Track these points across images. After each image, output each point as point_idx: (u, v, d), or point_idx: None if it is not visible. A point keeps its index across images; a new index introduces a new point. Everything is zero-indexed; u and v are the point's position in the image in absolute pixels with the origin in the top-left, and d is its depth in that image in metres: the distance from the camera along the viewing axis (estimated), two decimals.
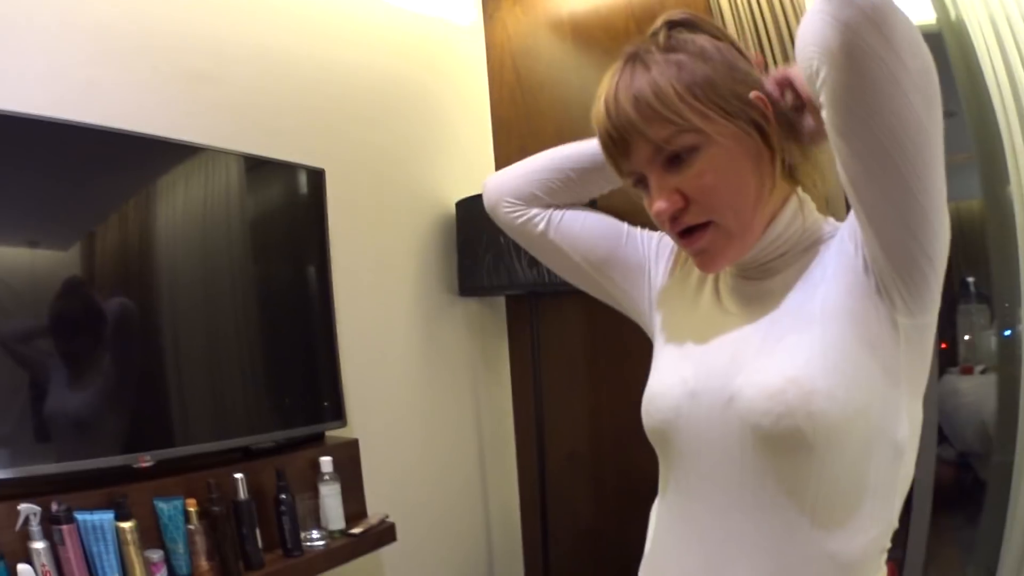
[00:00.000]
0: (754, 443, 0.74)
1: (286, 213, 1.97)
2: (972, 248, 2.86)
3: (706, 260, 0.81)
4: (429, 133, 2.63)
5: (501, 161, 2.93)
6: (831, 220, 0.86)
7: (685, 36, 0.81)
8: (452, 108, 2.78)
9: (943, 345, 2.96)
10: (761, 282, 0.85)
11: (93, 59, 1.63)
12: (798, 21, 2.42)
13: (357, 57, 2.35)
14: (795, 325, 0.77)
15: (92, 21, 1.64)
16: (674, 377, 0.86)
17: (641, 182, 0.82)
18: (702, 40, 0.80)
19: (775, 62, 2.54)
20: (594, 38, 2.77)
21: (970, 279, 2.97)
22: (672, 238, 0.83)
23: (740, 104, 0.77)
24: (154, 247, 1.59)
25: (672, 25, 0.83)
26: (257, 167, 1.86)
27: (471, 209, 2.50)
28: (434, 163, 2.63)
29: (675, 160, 0.77)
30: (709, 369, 0.82)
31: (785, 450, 0.73)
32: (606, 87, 0.81)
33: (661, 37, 0.81)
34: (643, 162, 0.79)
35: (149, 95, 1.73)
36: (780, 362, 0.74)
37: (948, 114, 2.43)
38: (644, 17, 2.67)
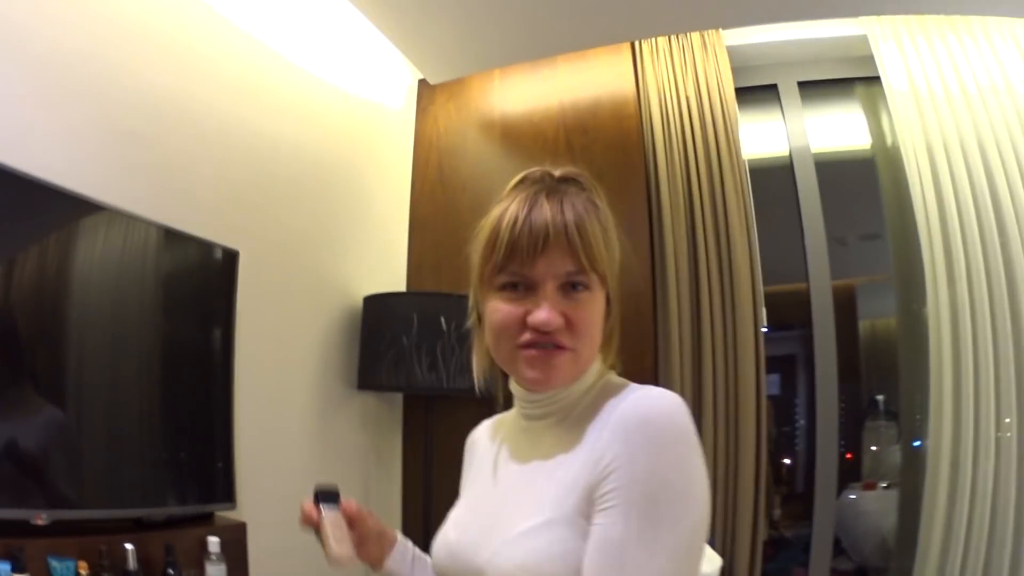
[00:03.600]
0: None
1: (197, 289, 1.99)
2: (884, 365, 3.07)
3: (544, 376, 0.87)
4: (347, 222, 2.66)
5: (414, 259, 2.99)
6: (610, 377, 0.93)
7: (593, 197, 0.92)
8: (373, 199, 2.81)
9: (848, 456, 3.11)
10: (542, 430, 0.92)
11: (29, 101, 1.61)
12: (731, 159, 2.65)
13: (286, 134, 2.37)
14: (534, 510, 0.83)
15: (31, 61, 1.62)
16: (444, 537, 0.97)
17: (512, 287, 0.87)
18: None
19: (701, 197, 2.72)
20: (522, 144, 2.89)
21: (879, 397, 3.12)
22: (513, 350, 0.87)
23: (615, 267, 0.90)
24: (64, 302, 1.58)
25: (576, 180, 0.93)
26: (174, 239, 1.88)
27: (378, 305, 2.54)
28: (348, 254, 2.65)
29: (570, 290, 0.85)
30: (466, 539, 0.92)
31: None
32: (540, 199, 0.87)
33: (584, 195, 0.90)
34: (547, 274, 0.85)
35: (81, 147, 1.73)
36: (513, 549, 0.82)
37: (871, 236, 2.63)
38: (575, 128, 2.83)
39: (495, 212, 0.90)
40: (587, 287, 0.86)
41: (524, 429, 0.96)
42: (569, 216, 0.85)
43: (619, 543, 0.75)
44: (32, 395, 1.53)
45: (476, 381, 1.00)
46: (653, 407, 0.80)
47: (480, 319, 0.95)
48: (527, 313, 0.85)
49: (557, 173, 0.93)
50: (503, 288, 0.87)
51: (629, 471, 0.77)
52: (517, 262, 0.85)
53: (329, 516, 0.96)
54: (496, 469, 0.99)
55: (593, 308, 0.87)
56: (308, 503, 0.96)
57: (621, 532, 0.75)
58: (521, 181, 0.93)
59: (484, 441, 1.08)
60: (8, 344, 1.49)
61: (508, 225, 0.86)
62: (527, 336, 0.86)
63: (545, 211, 0.85)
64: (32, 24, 1.61)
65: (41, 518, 1.50)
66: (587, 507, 0.79)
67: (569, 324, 0.85)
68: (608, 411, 0.83)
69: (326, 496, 0.98)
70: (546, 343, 0.85)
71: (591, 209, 0.87)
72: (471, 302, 0.98)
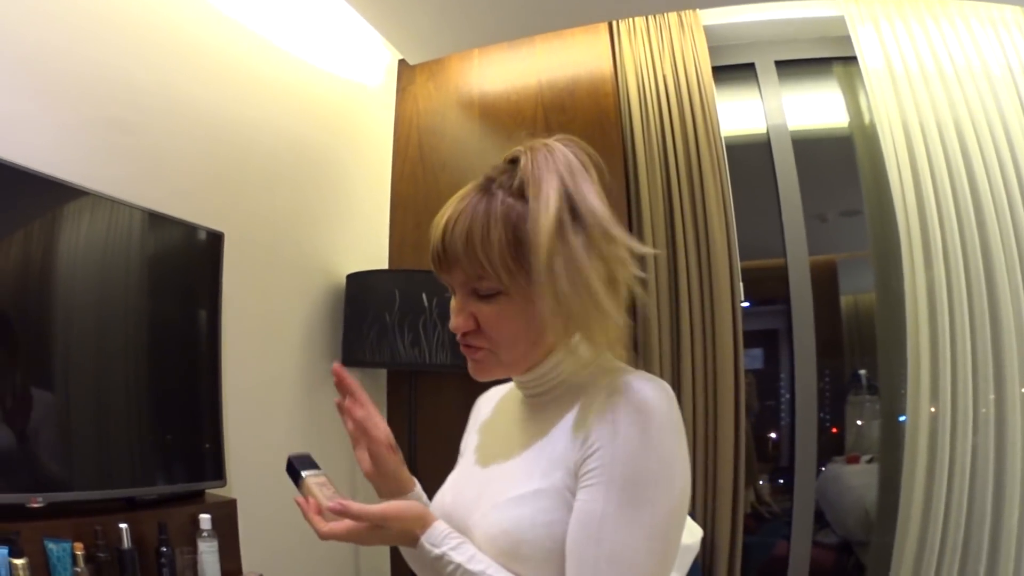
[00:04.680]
0: None
1: (183, 271, 2.02)
2: (867, 340, 3.12)
3: (476, 370, 0.94)
4: (330, 202, 2.71)
5: (396, 238, 3.01)
6: (605, 359, 0.91)
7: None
8: (354, 179, 2.85)
9: (833, 430, 3.17)
10: (541, 405, 0.96)
11: (10, 91, 1.64)
12: (708, 137, 2.70)
13: (267, 116, 2.40)
14: (523, 480, 0.88)
15: (19, 52, 1.65)
16: (440, 498, 1.02)
17: (450, 292, 0.94)
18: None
19: (678, 175, 2.77)
20: (501, 122, 2.94)
21: (862, 371, 3.19)
22: (460, 345, 0.95)
23: (538, 268, 0.84)
24: (51, 288, 1.61)
25: (509, 172, 0.90)
26: (159, 223, 1.91)
27: (361, 283, 2.59)
28: (330, 234, 2.70)
29: (479, 293, 0.89)
30: (460, 500, 0.97)
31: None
32: (452, 208, 0.89)
33: (518, 179, 0.87)
34: (456, 283, 0.91)
35: (65, 135, 1.75)
36: (500, 513, 0.87)
37: (852, 213, 2.68)
38: (552, 107, 2.87)
39: None
40: (498, 291, 0.88)
41: (522, 402, 1.00)
42: (458, 226, 0.87)
43: (598, 519, 0.80)
44: (21, 380, 1.56)
45: None
46: (639, 392, 0.83)
47: None
48: None
49: (508, 155, 0.93)
50: (448, 290, 0.95)
51: (611, 451, 0.81)
52: (439, 272, 0.93)
53: (313, 480, 0.94)
54: (494, 437, 1.05)
55: (507, 313, 0.88)
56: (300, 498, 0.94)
57: (601, 509, 0.80)
58: None
59: (488, 408, 1.13)
60: None
61: (432, 242, 0.92)
62: (460, 338, 0.93)
63: (437, 230, 0.90)
64: (10, 13, 1.64)
65: (37, 501, 1.54)
66: (572, 482, 0.84)
67: (479, 326, 0.90)
68: (597, 392, 0.86)
69: (303, 463, 0.97)
70: (465, 344, 0.93)
71: (491, 210, 0.87)
72: None
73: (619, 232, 0.86)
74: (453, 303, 0.94)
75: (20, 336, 1.57)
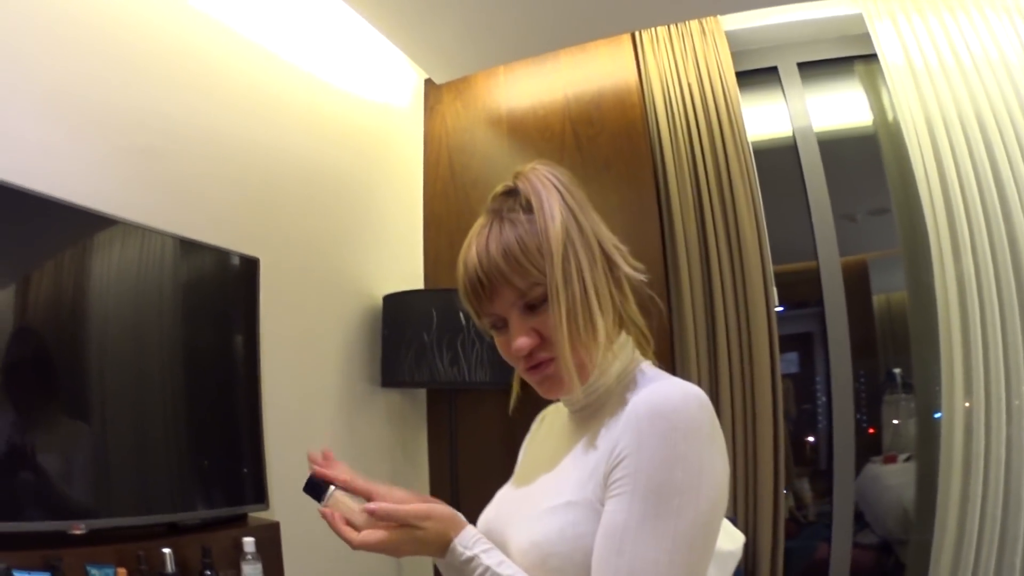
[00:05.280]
0: None
1: (218, 296, 2.02)
2: (900, 338, 3.11)
3: (550, 386, 0.94)
4: (363, 224, 2.72)
5: (430, 257, 3.03)
6: (642, 368, 0.95)
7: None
8: (386, 200, 2.87)
9: (870, 430, 3.16)
10: (583, 419, 0.97)
11: (43, 122, 1.64)
12: (735, 143, 2.71)
13: (297, 140, 2.43)
14: (557, 492, 0.89)
15: (44, 83, 1.65)
16: (485, 513, 1.04)
17: (497, 326, 0.94)
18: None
19: (708, 182, 2.79)
20: (530, 138, 2.96)
21: (896, 370, 3.17)
22: (521, 372, 0.96)
23: (556, 265, 0.90)
24: (85, 317, 1.63)
25: (513, 191, 0.96)
26: (192, 250, 1.91)
27: (398, 304, 2.62)
28: (365, 255, 2.71)
29: (532, 306, 0.90)
30: (500, 514, 0.99)
31: None
32: (477, 239, 0.93)
33: (523, 199, 0.93)
34: (506, 306, 0.91)
35: (96, 165, 1.77)
36: (532, 526, 0.88)
37: (880, 211, 2.68)
38: (580, 120, 2.89)
39: (459, 261, 0.97)
40: (545, 296, 0.89)
41: (569, 418, 1.02)
42: (493, 247, 0.90)
43: (621, 529, 0.79)
44: (58, 410, 1.57)
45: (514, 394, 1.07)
46: (666, 399, 0.84)
47: None
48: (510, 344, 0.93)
49: (500, 189, 0.98)
50: (492, 327, 0.96)
51: (636, 461, 0.81)
52: (482, 308, 0.93)
53: (341, 492, 0.94)
54: (539, 453, 1.06)
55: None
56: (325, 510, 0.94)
57: (624, 519, 0.80)
58: (487, 208, 0.99)
59: (542, 424, 1.15)
60: (32, 361, 1.53)
61: (461, 278, 0.94)
62: (522, 363, 0.93)
63: (472, 255, 0.92)
64: (40, 47, 1.67)
65: (79, 528, 1.55)
66: (603, 493, 0.84)
67: (543, 338, 0.91)
68: (631, 401, 0.86)
69: (318, 487, 0.95)
70: (535, 363, 0.92)
71: (520, 218, 0.91)
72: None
73: (613, 237, 0.96)
74: (501, 338, 0.95)
75: (57, 365, 1.58)
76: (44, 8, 1.68)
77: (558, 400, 1.06)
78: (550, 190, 0.93)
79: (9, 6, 1.61)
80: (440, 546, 0.88)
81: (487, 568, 0.85)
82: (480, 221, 0.97)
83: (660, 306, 0.99)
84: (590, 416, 0.95)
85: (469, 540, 0.88)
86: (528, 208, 0.92)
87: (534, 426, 1.18)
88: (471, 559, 0.86)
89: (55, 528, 1.52)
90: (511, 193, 0.96)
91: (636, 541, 0.78)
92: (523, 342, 0.91)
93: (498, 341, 0.97)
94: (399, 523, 0.86)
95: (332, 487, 0.94)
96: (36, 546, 1.46)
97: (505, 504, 1.02)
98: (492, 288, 0.91)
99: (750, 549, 2.65)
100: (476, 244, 0.93)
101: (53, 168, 1.65)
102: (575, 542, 0.83)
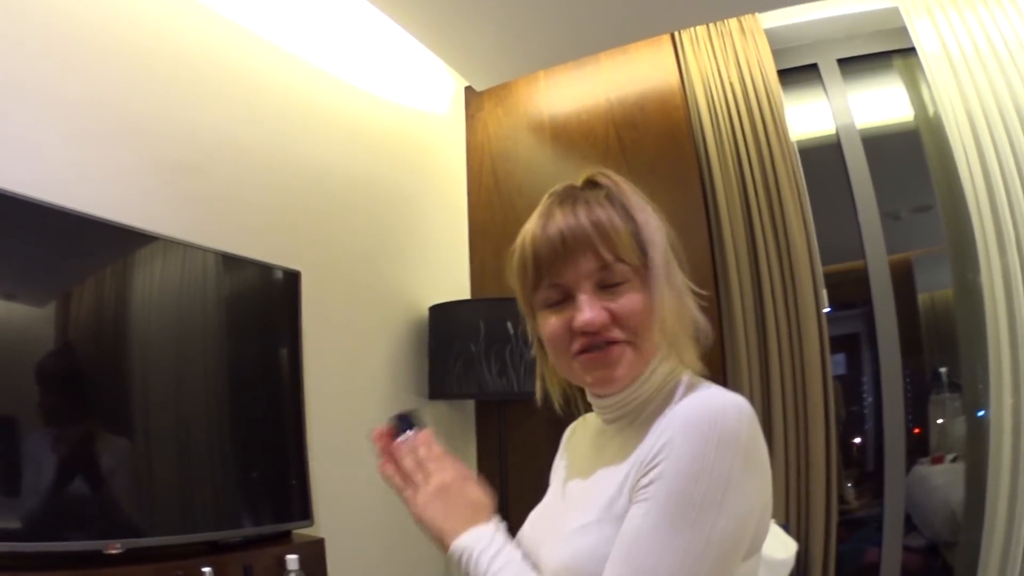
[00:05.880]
0: None
1: (260, 311, 2.01)
2: (945, 337, 3.08)
3: (606, 375, 0.89)
4: (406, 234, 2.70)
5: (476, 267, 3.01)
6: (685, 380, 0.91)
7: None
8: (429, 209, 2.85)
9: (916, 430, 3.13)
10: (616, 431, 0.95)
11: (76, 140, 1.64)
12: (780, 142, 2.68)
13: (337, 151, 2.41)
14: (588, 510, 0.87)
15: (76, 100, 1.64)
16: (521, 533, 1.00)
17: (553, 303, 0.90)
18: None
19: (754, 183, 2.76)
20: (574, 143, 2.93)
21: (942, 369, 3.13)
22: (571, 360, 0.90)
23: (653, 254, 0.89)
24: (125, 334, 1.62)
25: (595, 182, 0.95)
26: (233, 264, 1.90)
27: (444, 315, 2.59)
28: (409, 267, 2.69)
29: (607, 285, 0.87)
30: (534, 535, 0.96)
31: None
32: (558, 210, 0.90)
33: (605, 192, 0.92)
34: (579, 277, 0.87)
35: (131, 182, 1.77)
36: (563, 546, 0.86)
37: (924, 208, 2.65)
38: (624, 123, 2.86)
39: (520, 238, 0.94)
40: (624, 279, 0.87)
41: (601, 431, 0.99)
42: (583, 217, 0.88)
43: (633, 535, 0.77)
44: (99, 427, 1.56)
45: (557, 403, 1.03)
46: (702, 408, 0.80)
47: (542, 345, 0.99)
48: (572, 320, 0.88)
49: (579, 182, 0.96)
50: (548, 306, 0.91)
51: (661, 468, 0.78)
52: (547, 275, 0.89)
53: (413, 441, 0.95)
54: (570, 468, 1.03)
55: (636, 298, 0.87)
56: (382, 427, 0.98)
57: (638, 524, 0.77)
58: (544, 204, 0.96)
59: (572, 438, 1.13)
60: (72, 378, 1.52)
61: (529, 244, 0.91)
62: (579, 342, 0.88)
63: (558, 219, 0.88)
64: (74, 65, 1.66)
65: (115, 547, 1.54)
66: (630, 504, 0.82)
67: (615, 317, 0.87)
68: (669, 411, 0.83)
69: (406, 422, 0.98)
70: (598, 343, 0.88)
71: (607, 205, 0.89)
72: (528, 331, 1.01)
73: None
74: (554, 317, 0.91)
75: (97, 383, 1.58)
76: (74, 24, 1.67)
77: (584, 413, 1.05)
78: (639, 194, 0.93)
79: (39, 22, 1.60)
80: (459, 523, 0.89)
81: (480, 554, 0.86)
82: (550, 201, 0.93)
83: (708, 328, 0.95)
84: (625, 427, 0.93)
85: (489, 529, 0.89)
86: (613, 201, 0.91)
87: (564, 442, 1.15)
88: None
89: (89, 548, 1.49)
90: (590, 186, 0.94)
91: (645, 549, 0.76)
92: (595, 314, 0.87)
93: (549, 320, 0.92)
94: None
95: (415, 430, 0.97)
96: (72, 566, 1.44)
97: (538, 523, 0.99)
98: (568, 255, 0.88)
99: (802, 556, 2.62)
100: (560, 213, 0.89)
101: (88, 187, 1.65)
102: (607, 561, 0.80)
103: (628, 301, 0.87)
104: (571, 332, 0.88)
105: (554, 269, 0.89)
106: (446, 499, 0.90)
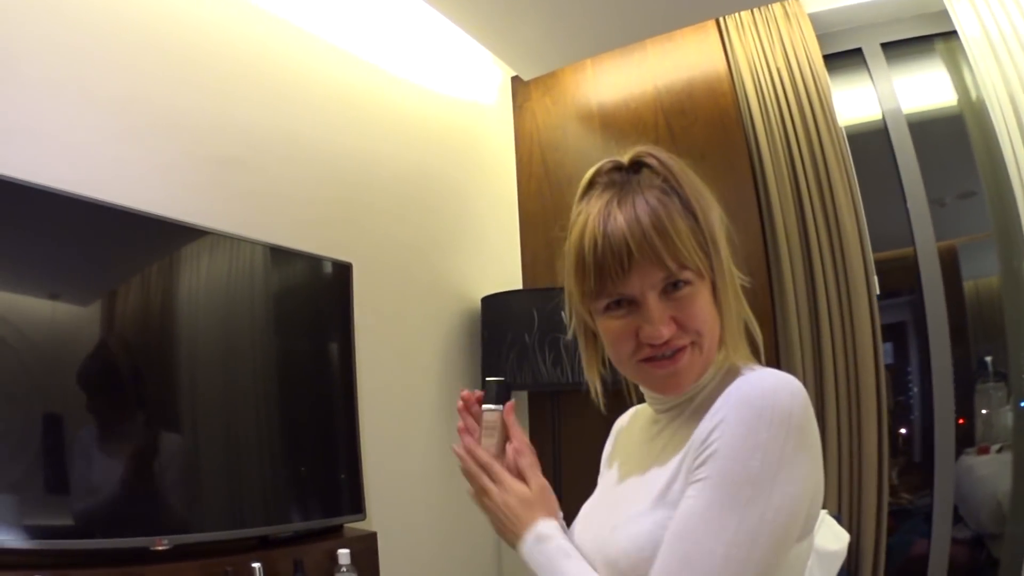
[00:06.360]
0: None
1: (311, 304, 2.00)
2: (990, 325, 3.05)
3: (674, 382, 0.88)
4: (457, 225, 2.70)
5: (528, 256, 3.01)
6: (737, 366, 0.91)
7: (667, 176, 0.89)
8: (479, 200, 2.85)
9: (960, 420, 3.11)
10: (669, 419, 0.94)
11: (119, 136, 1.64)
12: (828, 128, 2.66)
13: (385, 143, 2.41)
14: (644, 498, 0.87)
15: (119, 97, 1.64)
16: (573, 527, 1.00)
17: (614, 308, 0.88)
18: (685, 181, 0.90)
19: (804, 169, 2.73)
20: (623, 131, 2.90)
21: (988, 358, 3.12)
22: (637, 365, 0.89)
23: (715, 252, 0.88)
24: (174, 329, 1.62)
25: (646, 164, 0.91)
26: (283, 257, 1.90)
27: (497, 305, 2.58)
28: (460, 257, 2.69)
29: (671, 288, 0.85)
30: (588, 527, 0.96)
31: None
32: (614, 211, 0.86)
33: (659, 176, 0.88)
34: (644, 285, 0.85)
35: (177, 177, 1.76)
36: (620, 535, 0.85)
37: (969, 194, 2.62)
38: (672, 110, 2.84)
39: (575, 231, 0.90)
40: (687, 282, 0.85)
41: (654, 420, 0.98)
42: (645, 220, 0.84)
43: (688, 513, 0.77)
44: (146, 424, 1.56)
45: (593, 391, 1.02)
46: (755, 387, 0.79)
47: (591, 333, 0.97)
48: (638, 329, 0.86)
49: (627, 159, 0.92)
50: (608, 308, 0.88)
51: (715, 448, 0.77)
52: (610, 284, 0.86)
53: (487, 416, 0.97)
54: (623, 458, 1.02)
55: (698, 299, 0.86)
56: (471, 393, 1.01)
57: (692, 504, 0.77)
58: (591, 183, 0.93)
59: (623, 429, 1.11)
60: (119, 375, 1.52)
61: (590, 248, 0.86)
62: (646, 351, 0.87)
63: (620, 223, 0.84)
64: (115, 63, 1.65)
65: (162, 543, 1.52)
66: (687, 486, 0.81)
67: (680, 324, 0.86)
68: (723, 393, 0.82)
69: (502, 389, 0.99)
70: (665, 352, 0.86)
71: (666, 199, 0.86)
72: (568, 316, 0.99)
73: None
74: (616, 322, 0.88)
75: (146, 378, 1.57)
76: (119, 24, 1.67)
77: (632, 405, 1.06)
78: (691, 175, 0.89)
79: (83, 19, 1.59)
80: (523, 516, 0.94)
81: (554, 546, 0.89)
82: (602, 197, 0.89)
83: (755, 328, 0.95)
84: (678, 414, 0.92)
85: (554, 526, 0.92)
86: (668, 188, 0.87)
87: (615, 432, 1.13)
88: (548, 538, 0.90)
89: (135, 544, 1.48)
90: (641, 167, 0.90)
91: (698, 528, 0.75)
92: (663, 329, 0.85)
93: (611, 326, 0.89)
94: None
95: (506, 404, 0.98)
96: (119, 563, 1.43)
97: (591, 517, 0.98)
98: (634, 264, 0.84)
99: (853, 548, 2.60)
100: (621, 214, 0.85)
101: (132, 184, 1.64)
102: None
103: (692, 305, 0.86)
104: (636, 339, 0.87)
105: (619, 280, 0.86)
106: (534, 504, 0.94)
